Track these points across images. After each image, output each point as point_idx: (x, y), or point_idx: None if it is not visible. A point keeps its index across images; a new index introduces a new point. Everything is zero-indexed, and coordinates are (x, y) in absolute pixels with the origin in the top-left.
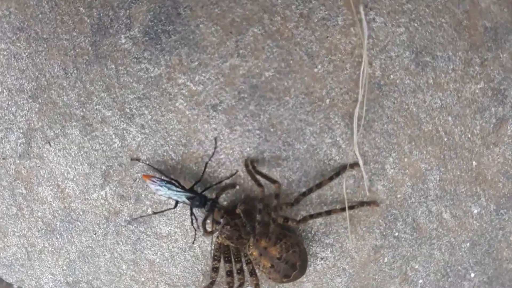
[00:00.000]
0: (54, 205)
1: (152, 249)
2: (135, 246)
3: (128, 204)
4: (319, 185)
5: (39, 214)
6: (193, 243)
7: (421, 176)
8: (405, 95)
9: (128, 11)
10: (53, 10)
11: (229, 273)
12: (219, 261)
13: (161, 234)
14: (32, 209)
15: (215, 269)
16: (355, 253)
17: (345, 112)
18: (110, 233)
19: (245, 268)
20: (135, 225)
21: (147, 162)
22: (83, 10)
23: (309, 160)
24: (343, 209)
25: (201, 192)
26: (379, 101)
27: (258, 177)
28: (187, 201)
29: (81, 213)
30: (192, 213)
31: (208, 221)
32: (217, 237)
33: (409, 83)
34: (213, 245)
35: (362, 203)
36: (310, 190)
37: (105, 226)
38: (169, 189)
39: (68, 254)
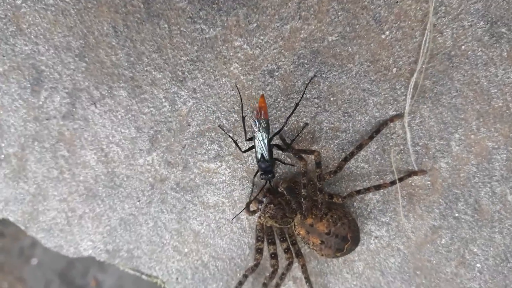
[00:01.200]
0: (97, 169)
1: (198, 219)
2: (180, 216)
3: (175, 171)
4: (359, 147)
5: (81, 178)
6: (248, 205)
7: (487, 155)
8: (476, 67)
9: None
10: None
11: (273, 256)
12: (262, 242)
13: (208, 204)
14: (74, 172)
15: (259, 251)
16: (411, 233)
17: (412, 82)
18: (155, 201)
19: (291, 248)
20: (182, 193)
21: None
22: None
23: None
24: (393, 183)
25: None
26: (449, 73)
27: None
28: (265, 154)
29: (125, 179)
30: (255, 175)
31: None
32: (259, 217)
33: (481, 55)
34: (256, 225)
35: (410, 174)
36: (351, 154)
37: (150, 193)
38: (265, 136)
39: (109, 221)
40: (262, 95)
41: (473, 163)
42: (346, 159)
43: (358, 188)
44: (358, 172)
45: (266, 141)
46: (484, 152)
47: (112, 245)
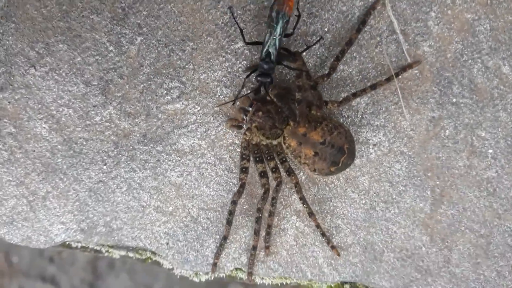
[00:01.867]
0: (51, 140)
1: (176, 170)
2: (156, 170)
3: (138, 121)
4: (349, 43)
5: (36, 153)
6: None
7: (470, 28)
8: None
9: None
10: None
11: (263, 174)
12: (248, 160)
13: (183, 150)
14: (26, 150)
15: (244, 170)
16: (411, 131)
17: None
18: (123, 161)
19: (280, 167)
20: (151, 145)
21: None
22: None
23: (341, 30)
24: (388, 80)
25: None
26: None
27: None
28: (273, 53)
29: (84, 143)
30: (250, 72)
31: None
32: (245, 133)
33: None
34: (241, 142)
35: (405, 67)
36: (342, 52)
37: (115, 153)
38: (280, 32)
39: (77, 195)
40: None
41: (457, 40)
42: (338, 58)
43: (353, 91)
44: (339, 76)
45: (280, 38)
46: (465, 26)
47: (86, 223)
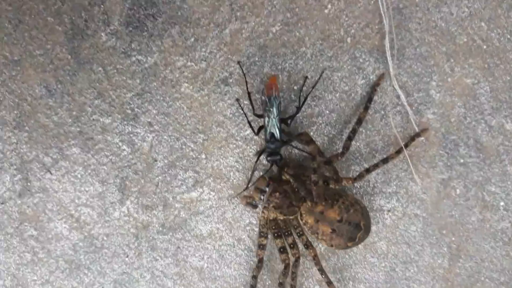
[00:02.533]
0: (72, 238)
1: (196, 254)
2: (177, 257)
3: (156, 213)
4: (359, 121)
5: (58, 252)
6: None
7: (470, 92)
8: (429, 12)
9: (102, 6)
10: (17, 28)
11: (283, 250)
12: (266, 237)
13: (202, 235)
14: (48, 249)
15: (261, 246)
16: (423, 194)
17: (371, 46)
18: (144, 251)
19: (298, 241)
20: (170, 233)
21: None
22: (52, 20)
23: (345, 108)
24: (398, 151)
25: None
26: (404, 25)
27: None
28: (276, 133)
29: (105, 238)
30: (259, 154)
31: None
32: (263, 211)
33: None
34: (259, 220)
35: (413, 137)
36: (353, 131)
37: (136, 245)
38: (277, 113)
39: None
40: (274, 76)
41: (460, 105)
42: (350, 138)
43: (366, 167)
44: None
45: (277, 118)
46: (466, 90)
47: None
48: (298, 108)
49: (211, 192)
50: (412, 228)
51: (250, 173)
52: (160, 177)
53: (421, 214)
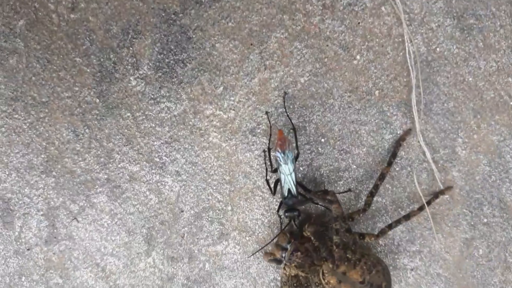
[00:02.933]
0: (98, 287)
1: None
2: None
3: (181, 265)
4: (382, 177)
5: None
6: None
7: (496, 149)
8: (457, 66)
9: (131, 48)
10: (46, 68)
11: None
12: None
13: None
14: None
15: None
16: (446, 254)
17: (399, 100)
18: None
19: None
20: (195, 287)
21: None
22: (80, 60)
23: (372, 164)
24: (421, 208)
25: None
26: (432, 79)
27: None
28: (292, 189)
29: None
30: (279, 208)
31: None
32: (284, 267)
33: (458, 52)
34: (280, 277)
35: (436, 194)
36: (376, 187)
37: None
38: (292, 169)
39: None
40: (280, 130)
41: (485, 163)
42: (372, 194)
43: (389, 223)
44: (373, 207)
45: (293, 174)
46: (491, 148)
47: None
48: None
49: (236, 246)
50: None
51: (276, 227)
52: (186, 228)
53: (444, 274)
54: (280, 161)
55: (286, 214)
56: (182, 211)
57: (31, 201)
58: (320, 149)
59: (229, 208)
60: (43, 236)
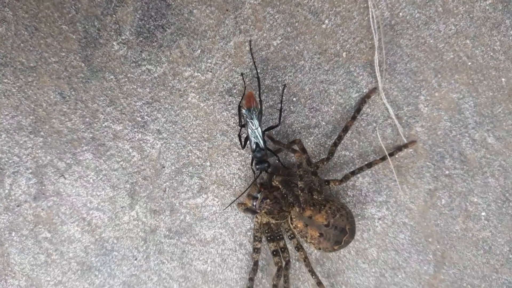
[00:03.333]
0: (84, 240)
1: (200, 258)
2: (182, 260)
3: (163, 217)
4: (345, 129)
5: (71, 254)
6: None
7: (456, 106)
8: (418, 29)
9: (114, 16)
10: (34, 35)
11: (275, 253)
12: (260, 241)
13: (206, 240)
14: (61, 251)
15: (256, 250)
16: (411, 204)
17: (365, 61)
18: (152, 254)
19: (288, 244)
20: (176, 237)
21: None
22: (66, 28)
23: (340, 120)
24: (383, 158)
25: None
26: (396, 41)
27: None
28: (260, 143)
29: (115, 241)
30: (252, 163)
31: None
32: (256, 216)
33: (420, 16)
34: (253, 225)
35: (400, 147)
36: (339, 138)
37: (144, 248)
38: (257, 124)
39: None
40: (250, 92)
41: (446, 119)
42: (335, 144)
43: (351, 170)
44: (342, 161)
45: (260, 129)
46: (452, 105)
47: None
48: (278, 121)
49: (215, 199)
50: (401, 236)
51: (250, 181)
52: (167, 183)
53: (409, 223)
54: (247, 117)
55: (257, 166)
56: (164, 167)
57: (20, 160)
58: (292, 107)
59: (208, 163)
60: (32, 193)
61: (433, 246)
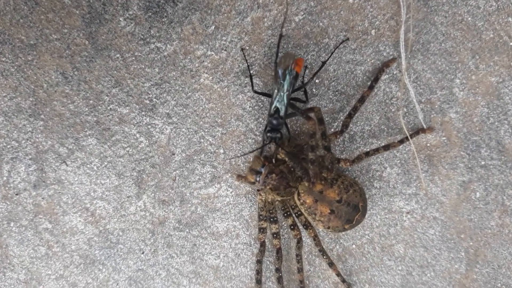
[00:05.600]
0: (87, 232)
1: (212, 253)
2: (193, 255)
3: (173, 208)
4: (362, 100)
5: (73, 247)
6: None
7: (494, 91)
8: (455, 5)
9: None
10: (34, 10)
11: (276, 235)
12: (265, 220)
13: (218, 233)
14: (63, 243)
15: (261, 230)
16: (443, 197)
17: (396, 39)
18: (160, 248)
19: (297, 222)
20: (187, 230)
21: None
22: (69, 2)
23: (368, 105)
24: (401, 141)
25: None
26: (430, 18)
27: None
28: (281, 109)
29: (120, 233)
30: (265, 130)
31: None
32: (259, 193)
33: None
34: (257, 203)
35: (417, 131)
36: (355, 109)
37: (152, 241)
38: (288, 88)
39: (117, 284)
40: (300, 58)
41: (483, 104)
42: (350, 115)
43: (367, 150)
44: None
45: (288, 93)
46: (490, 89)
47: None
48: (308, 82)
49: (229, 189)
50: (430, 231)
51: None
52: (177, 171)
53: (440, 217)
54: (280, 77)
55: (268, 134)
56: (173, 154)
57: (19, 145)
58: (314, 90)
59: (221, 151)
60: (31, 180)
61: (465, 243)
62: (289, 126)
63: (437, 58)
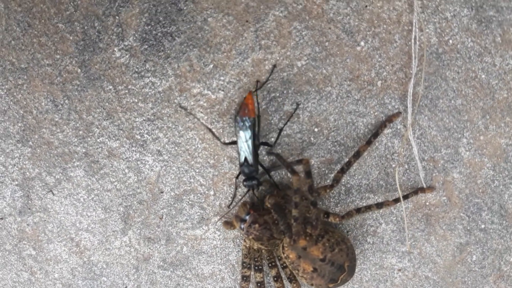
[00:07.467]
0: (71, 262)
1: None
2: None
3: (158, 246)
4: (357, 155)
5: (56, 275)
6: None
7: (502, 153)
8: (470, 61)
9: (117, 17)
10: (26, 32)
11: (260, 285)
12: (249, 268)
13: (203, 275)
14: (46, 270)
15: (245, 278)
16: (437, 257)
17: (402, 93)
18: (143, 284)
19: (282, 273)
20: (171, 269)
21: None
22: (63, 26)
23: (367, 158)
24: (396, 200)
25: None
26: (441, 73)
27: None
28: (248, 157)
29: (104, 266)
30: (238, 176)
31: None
32: (244, 239)
33: (473, 46)
34: (241, 249)
35: (416, 191)
36: (348, 164)
37: (135, 276)
38: (248, 136)
39: None
40: (250, 92)
41: (489, 166)
42: (342, 170)
43: (359, 207)
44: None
45: (250, 142)
46: (498, 151)
47: None
48: (275, 140)
49: (217, 232)
50: None
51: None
52: (165, 210)
53: (432, 277)
54: (238, 126)
55: (245, 183)
56: (162, 192)
57: (6, 170)
58: (312, 139)
59: (212, 192)
60: (17, 206)
61: None
62: (278, 174)
63: (445, 115)
